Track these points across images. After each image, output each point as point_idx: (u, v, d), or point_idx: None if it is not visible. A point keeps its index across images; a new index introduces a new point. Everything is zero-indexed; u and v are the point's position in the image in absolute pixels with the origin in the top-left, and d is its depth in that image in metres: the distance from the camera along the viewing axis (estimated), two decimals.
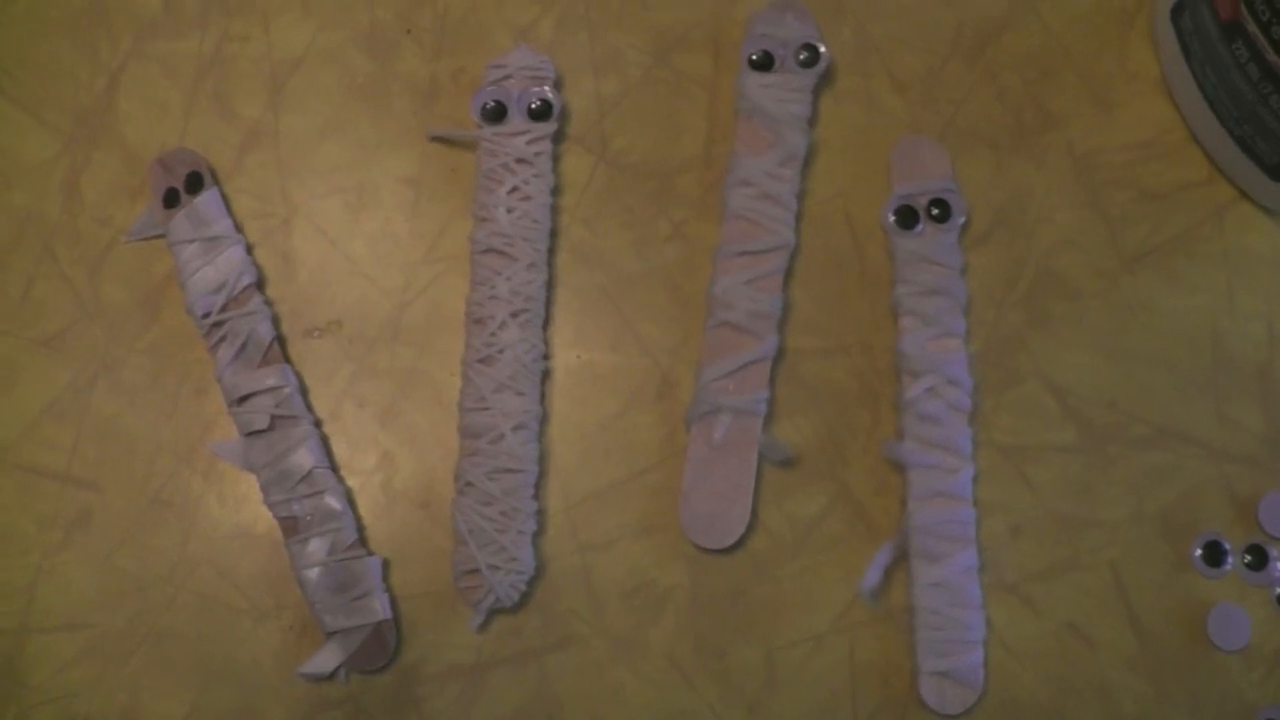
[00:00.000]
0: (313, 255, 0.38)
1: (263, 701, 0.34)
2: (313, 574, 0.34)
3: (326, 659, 0.34)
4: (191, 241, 0.36)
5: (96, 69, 0.39)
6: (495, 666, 0.34)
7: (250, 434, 0.35)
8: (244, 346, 0.36)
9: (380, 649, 0.34)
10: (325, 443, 0.36)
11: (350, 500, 0.35)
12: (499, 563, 0.34)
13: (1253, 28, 0.32)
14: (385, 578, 0.35)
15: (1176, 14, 0.36)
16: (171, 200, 0.37)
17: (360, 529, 0.35)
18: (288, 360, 0.36)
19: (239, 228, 0.37)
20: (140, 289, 0.37)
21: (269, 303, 0.37)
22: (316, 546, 0.34)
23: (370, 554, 0.35)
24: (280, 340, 0.37)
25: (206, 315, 0.36)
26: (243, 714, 0.34)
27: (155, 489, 0.36)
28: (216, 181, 0.38)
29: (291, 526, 0.35)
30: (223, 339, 0.36)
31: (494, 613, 0.35)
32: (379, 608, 0.34)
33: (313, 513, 0.35)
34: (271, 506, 0.35)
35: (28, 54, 0.39)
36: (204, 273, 0.36)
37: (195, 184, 0.37)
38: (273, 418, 0.35)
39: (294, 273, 0.37)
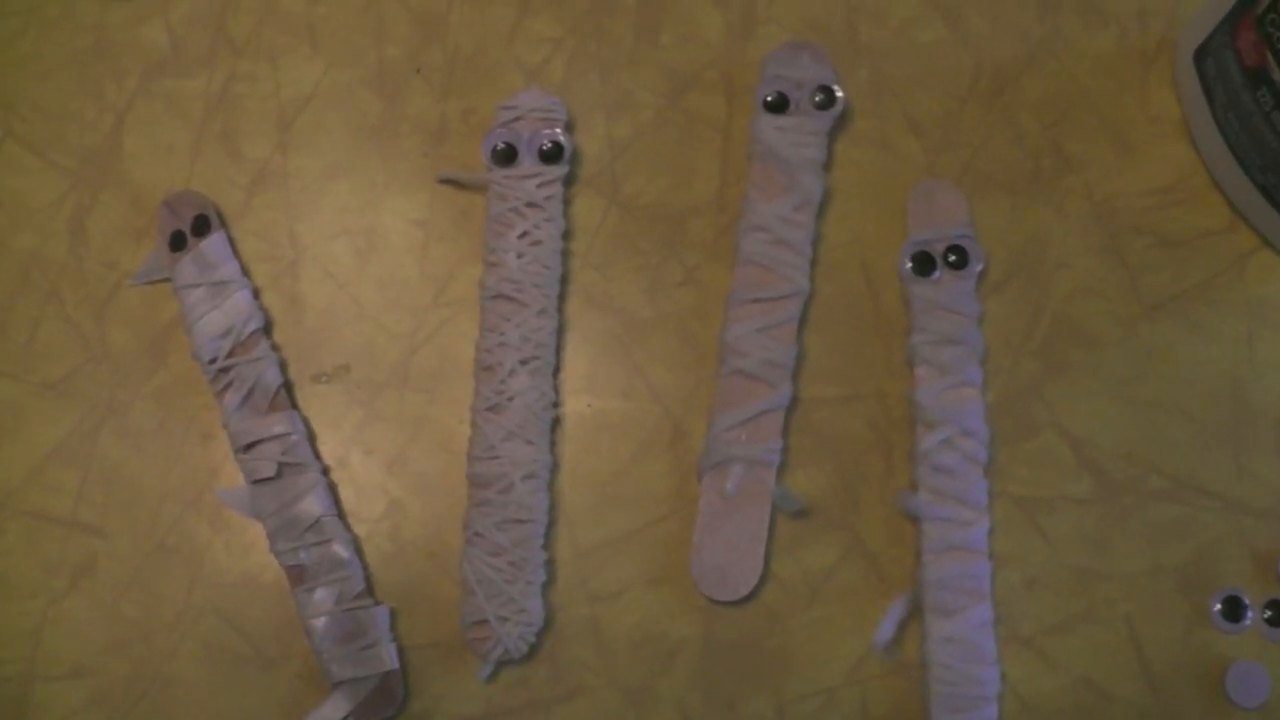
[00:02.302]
0: (320, 298, 0.37)
1: None
2: (319, 623, 0.34)
3: (333, 709, 0.33)
4: (197, 286, 0.36)
5: (103, 108, 0.39)
6: (504, 718, 0.34)
7: (257, 481, 0.35)
8: (250, 392, 0.35)
9: (388, 700, 0.34)
10: (333, 490, 0.35)
11: (358, 549, 0.35)
12: (507, 614, 0.33)
13: (1277, 75, 0.32)
14: (393, 627, 0.34)
15: (1199, 58, 0.35)
16: (178, 243, 0.37)
17: (368, 578, 0.35)
18: (295, 406, 0.36)
19: (246, 271, 0.37)
20: (146, 333, 0.37)
21: (276, 348, 0.36)
22: (323, 595, 0.34)
23: (378, 603, 0.34)
24: (287, 385, 0.36)
25: (213, 361, 0.35)
26: None
27: (161, 535, 0.36)
28: (224, 224, 0.37)
29: (298, 575, 0.34)
30: (229, 385, 0.35)
31: (502, 664, 0.34)
32: (387, 658, 0.34)
33: (320, 561, 0.34)
34: (278, 555, 0.34)
35: (33, 93, 0.39)
36: (210, 317, 0.36)
37: (202, 226, 0.37)
38: (280, 465, 0.35)
39: (301, 316, 0.37)
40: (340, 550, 0.34)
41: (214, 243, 0.37)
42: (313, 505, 0.34)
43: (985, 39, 0.38)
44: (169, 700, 0.34)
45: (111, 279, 0.37)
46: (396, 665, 0.34)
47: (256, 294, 0.37)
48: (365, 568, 0.35)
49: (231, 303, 0.36)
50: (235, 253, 0.37)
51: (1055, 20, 0.38)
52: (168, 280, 0.37)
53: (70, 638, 0.35)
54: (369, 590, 0.35)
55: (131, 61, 0.39)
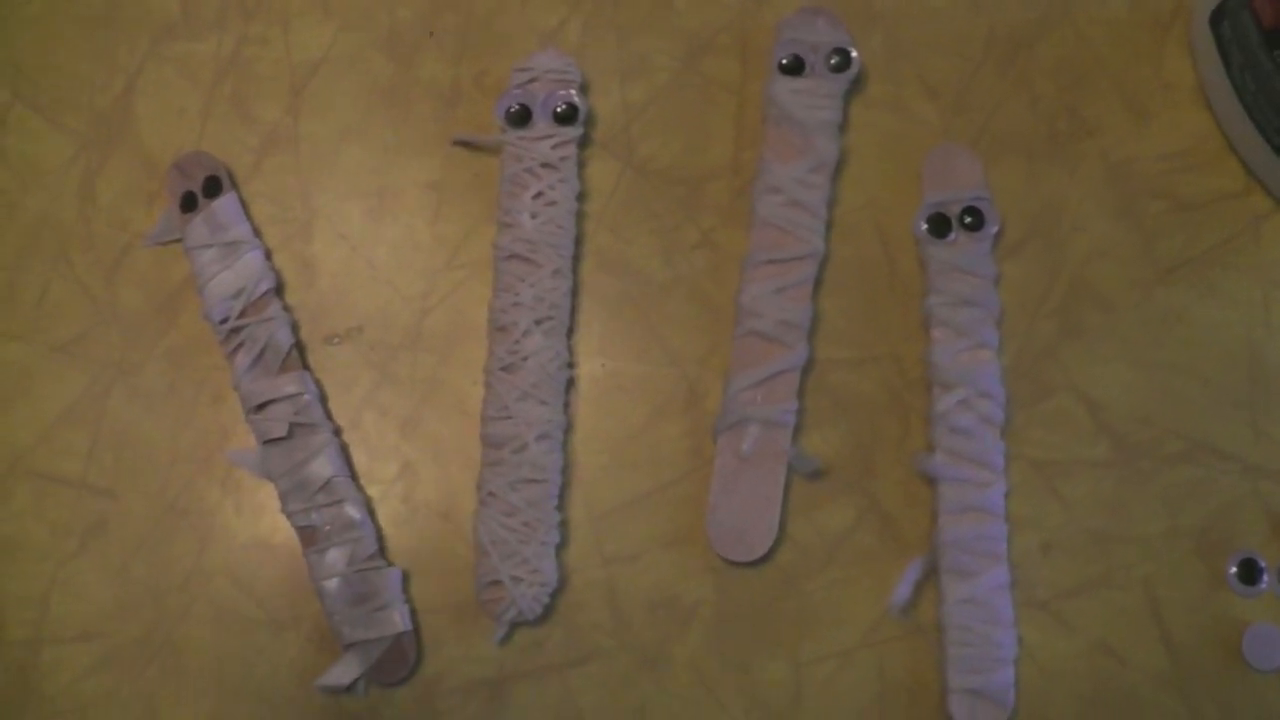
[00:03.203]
0: (333, 261, 0.37)
1: (280, 714, 0.34)
2: (331, 585, 0.34)
3: (345, 671, 0.33)
4: (209, 246, 0.36)
5: (114, 72, 0.39)
6: (517, 681, 0.34)
7: (268, 442, 0.34)
8: (262, 353, 0.35)
9: (400, 662, 0.33)
10: (345, 451, 0.35)
11: (370, 510, 0.35)
12: (522, 575, 0.33)
13: None
14: (405, 589, 0.34)
15: (1216, 21, 0.35)
16: (189, 204, 0.36)
17: (380, 539, 0.35)
18: (306, 368, 0.36)
19: (258, 232, 0.37)
20: (157, 294, 0.37)
21: (288, 309, 0.36)
22: (335, 557, 0.34)
23: (390, 565, 0.34)
24: (300, 347, 0.36)
25: (224, 321, 0.35)
26: None
27: (172, 497, 0.35)
28: (235, 186, 0.37)
29: (310, 536, 0.34)
30: (240, 345, 0.35)
31: (516, 626, 0.34)
32: (399, 620, 0.33)
33: (331, 522, 0.34)
34: (290, 516, 0.34)
35: (44, 57, 0.39)
36: (222, 278, 0.36)
37: (213, 188, 0.37)
38: (291, 425, 0.34)
39: (314, 278, 0.37)
40: (352, 511, 0.34)
41: (225, 204, 0.36)
42: (324, 466, 0.34)
43: (999, 3, 0.38)
44: (180, 663, 0.34)
45: (122, 241, 0.37)
46: (409, 627, 0.34)
47: (268, 255, 0.37)
48: (377, 529, 0.35)
49: (243, 263, 0.36)
50: (247, 214, 0.37)
51: None
52: (179, 241, 0.37)
53: (80, 600, 0.35)
54: (381, 552, 0.34)
55: (142, 25, 0.39)
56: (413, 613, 0.34)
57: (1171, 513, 0.34)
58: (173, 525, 0.35)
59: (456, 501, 0.35)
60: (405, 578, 0.34)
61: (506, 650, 0.34)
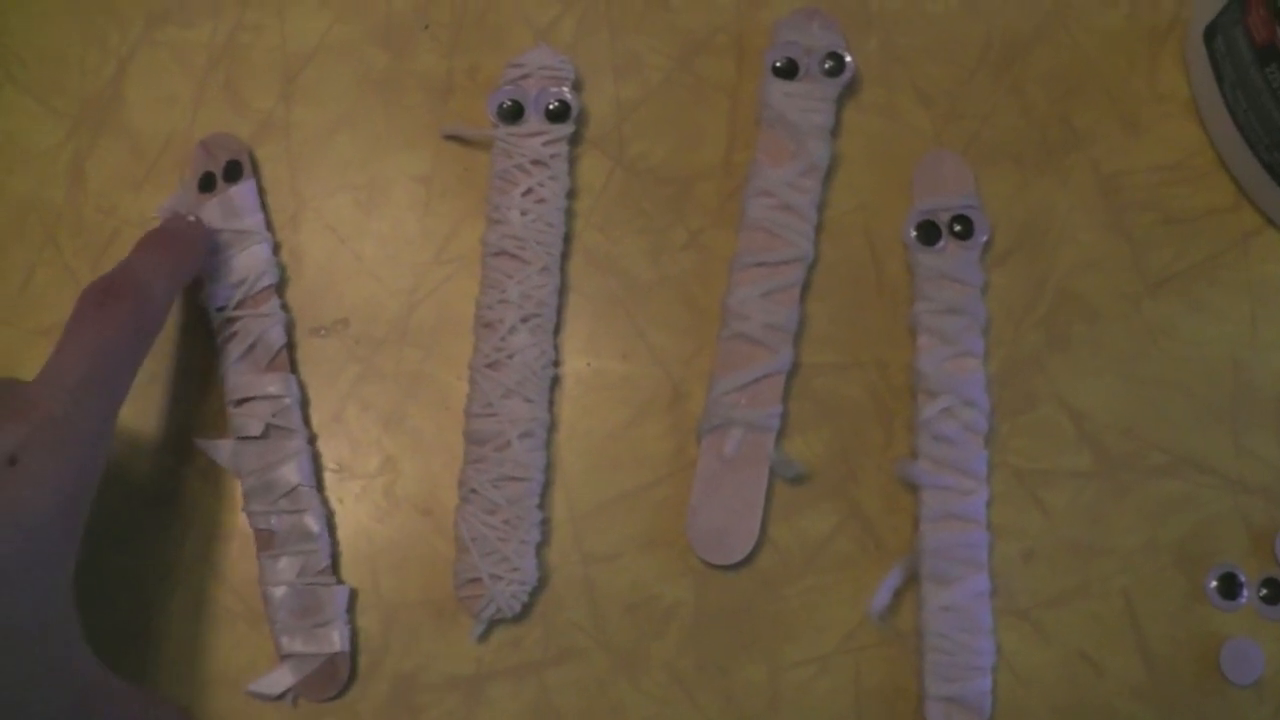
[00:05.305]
0: (321, 252, 0.37)
1: (256, 707, 0.34)
2: (278, 592, 0.33)
3: (276, 681, 0.33)
4: (220, 231, 0.35)
5: (105, 56, 0.38)
6: (495, 678, 0.34)
7: (242, 438, 0.34)
8: (253, 347, 0.35)
9: (331, 681, 0.33)
10: (316, 460, 0.35)
11: (330, 524, 0.35)
12: (501, 572, 0.33)
13: None
14: (350, 609, 0.34)
15: (1209, 36, 0.35)
16: (207, 185, 0.36)
17: (335, 555, 0.34)
18: (294, 370, 0.35)
19: (269, 225, 0.36)
20: None
21: (285, 307, 0.36)
22: (287, 565, 0.33)
23: (340, 582, 0.34)
24: (290, 346, 0.36)
25: (222, 309, 0.35)
26: None
27: (151, 485, 0.35)
28: (256, 172, 0.37)
29: (267, 540, 0.34)
30: (233, 335, 0.35)
31: (495, 623, 0.34)
32: (337, 639, 0.33)
33: (289, 530, 0.34)
34: (250, 515, 0.34)
35: (36, 39, 0.39)
36: (227, 265, 0.35)
37: (234, 172, 0.36)
38: (267, 426, 0.34)
39: (301, 269, 0.37)
40: (311, 523, 0.34)
41: (243, 190, 0.36)
42: (292, 472, 0.34)
43: (996, 11, 0.38)
44: (156, 654, 0.34)
45: (110, 225, 0.37)
46: (347, 648, 0.33)
47: (276, 249, 0.36)
48: (334, 544, 0.34)
49: (249, 253, 0.35)
50: (263, 205, 0.36)
51: None
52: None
53: None
54: (334, 568, 0.34)
55: (136, 9, 0.39)
56: (391, 608, 0.34)
57: (1152, 525, 0.34)
58: (154, 515, 0.35)
59: (438, 497, 0.35)
60: (352, 596, 0.34)
61: (485, 647, 0.34)
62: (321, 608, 0.33)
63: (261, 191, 0.37)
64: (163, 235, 0.33)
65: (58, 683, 0.28)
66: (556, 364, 0.35)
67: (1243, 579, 0.34)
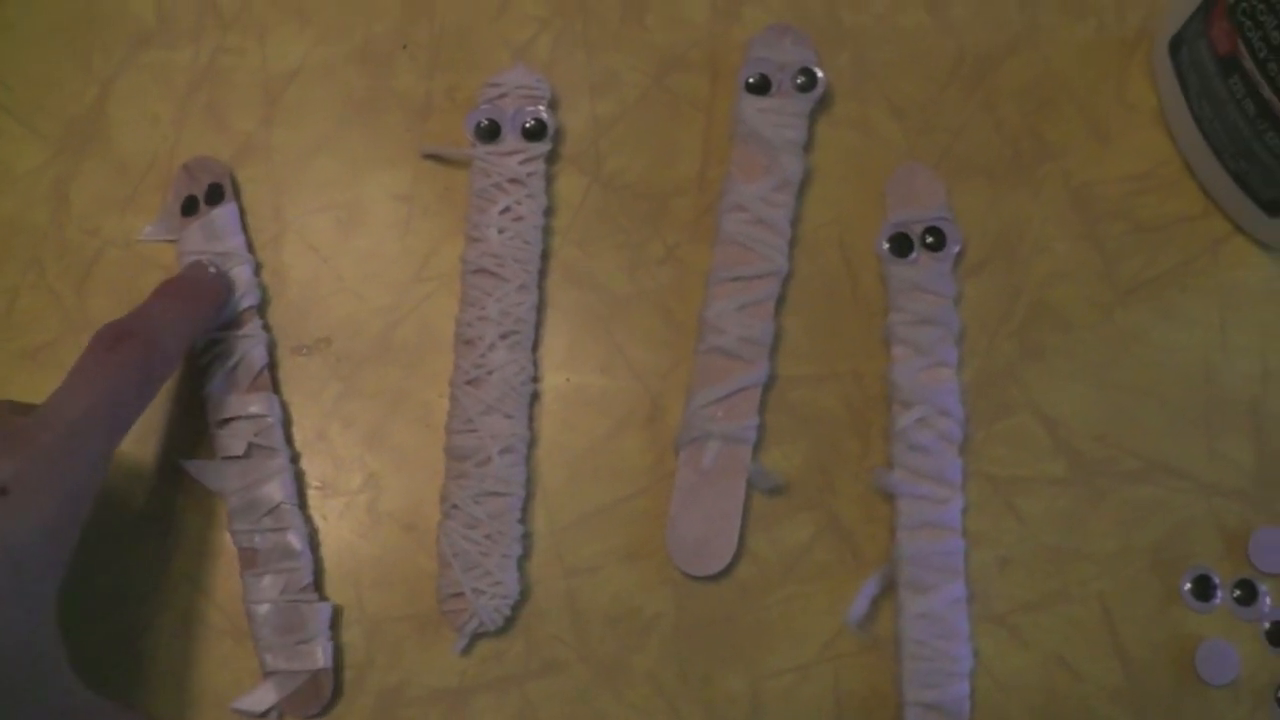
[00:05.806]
0: (303, 271, 0.37)
1: None
2: (262, 610, 0.34)
3: (260, 698, 0.33)
4: (201, 254, 0.36)
5: (88, 78, 0.39)
6: (478, 691, 0.34)
7: (225, 458, 0.35)
8: (235, 368, 0.35)
9: (315, 698, 0.33)
10: (299, 479, 0.35)
11: (313, 542, 0.35)
12: (483, 586, 0.34)
13: (1249, 63, 0.32)
14: (334, 625, 0.34)
15: (1175, 47, 0.36)
16: (190, 208, 0.37)
17: (318, 572, 0.35)
18: (277, 390, 0.36)
19: (251, 247, 0.37)
20: (127, 302, 0.37)
21: (267, 328, 0.36)
22: (270, 583, 0.34)
23: (324, 599, 0.34)
24: (272, 367, 0.36)
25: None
26: None
27: (138, 504, 0.36)
28: (237, 196, 0.37)
29: (250, 558, 0.34)
30: (216, 357, 0.35)
31: (478, 637, 0.34)
32: (320, 656, 0.33)
33: (273, 548, 0.34)
34: (234, 534, 0.34)
35: (19, 61, 0.39)
36: None
37: (216, 195, 0.37)
38: (250, 445, 0.35)
39: (283, 289, 0.37)
40: (294, 541, 0.34)
41: (225, 213, 0.36)
42: (275, 491, 0.34)
43: (967, 26, 0.38)
44: (142, 671, 0.34)
45: (93, 247, 0.37)
46: (329, 665, 0.34)
47: (257, 270, 0.37)
48: (318, 562, 0.35)
49: (231, 276, 0.36)
50: (244, 227, 0.37)
51: (1036, 9, 0.38)
52: (172, 242, 0.37)
53: None
54: (317, 585, 0.34)
55: (118, 32, 0.39)
56: (375, 623, 0.34)
57: (1127, 529, 0.35)
58: (138, 532, 0.35)
59: (420, 513, 0.35)
60: (336, 612, 0.34)
61: (468, 660, 0.34)
62: (304, 625, 0.34)
63: (243, 212, 0.37)
64: (183, 284, 0.34)
65: (41, 706, 0.28)
66: (536, 379, 0.36)
67: (1217, 581, 0.34)
